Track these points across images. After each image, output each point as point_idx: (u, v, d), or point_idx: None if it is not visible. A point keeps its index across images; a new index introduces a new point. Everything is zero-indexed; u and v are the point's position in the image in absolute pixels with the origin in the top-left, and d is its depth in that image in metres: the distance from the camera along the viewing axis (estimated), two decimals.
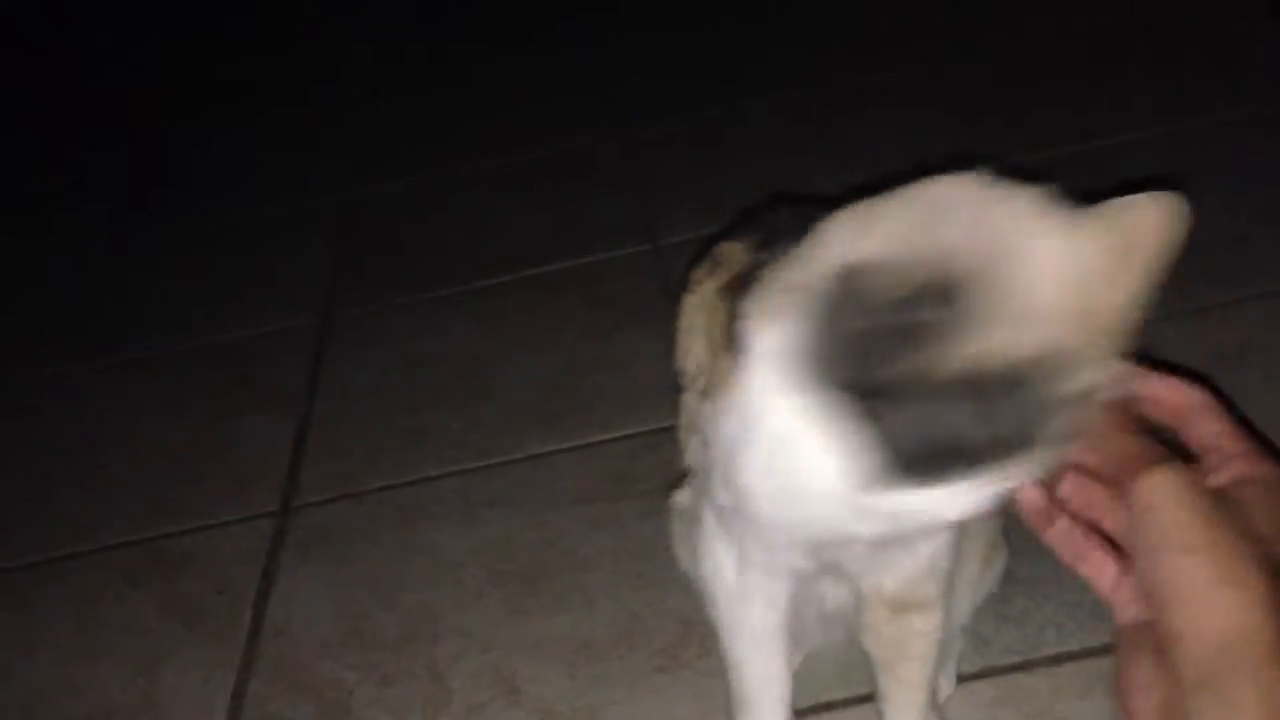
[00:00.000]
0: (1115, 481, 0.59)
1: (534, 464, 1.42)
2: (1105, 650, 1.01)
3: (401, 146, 2.44)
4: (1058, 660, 1.02)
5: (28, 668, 1.28)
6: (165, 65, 3.26)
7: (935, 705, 0.93)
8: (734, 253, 0.78)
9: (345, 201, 2.23)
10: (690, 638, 1.11)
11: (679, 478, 0.96)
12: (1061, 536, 0.65)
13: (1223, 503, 0.56)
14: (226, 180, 2.43)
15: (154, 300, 2.01)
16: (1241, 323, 1.37)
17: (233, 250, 2.12)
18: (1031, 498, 0.64)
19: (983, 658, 1.03)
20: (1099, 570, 0.64)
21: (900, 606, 0.82)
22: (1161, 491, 0.56)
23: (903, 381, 0.53)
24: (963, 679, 1.02)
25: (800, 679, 0.99)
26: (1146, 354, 0.61)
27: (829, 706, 1.03)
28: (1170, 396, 0.64)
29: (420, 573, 1.29)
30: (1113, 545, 0.63)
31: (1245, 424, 0.64)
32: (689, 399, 0.82)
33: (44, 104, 3.15)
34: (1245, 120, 1.77)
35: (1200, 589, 0.53)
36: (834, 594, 0.88)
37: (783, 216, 0.78)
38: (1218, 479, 0.59)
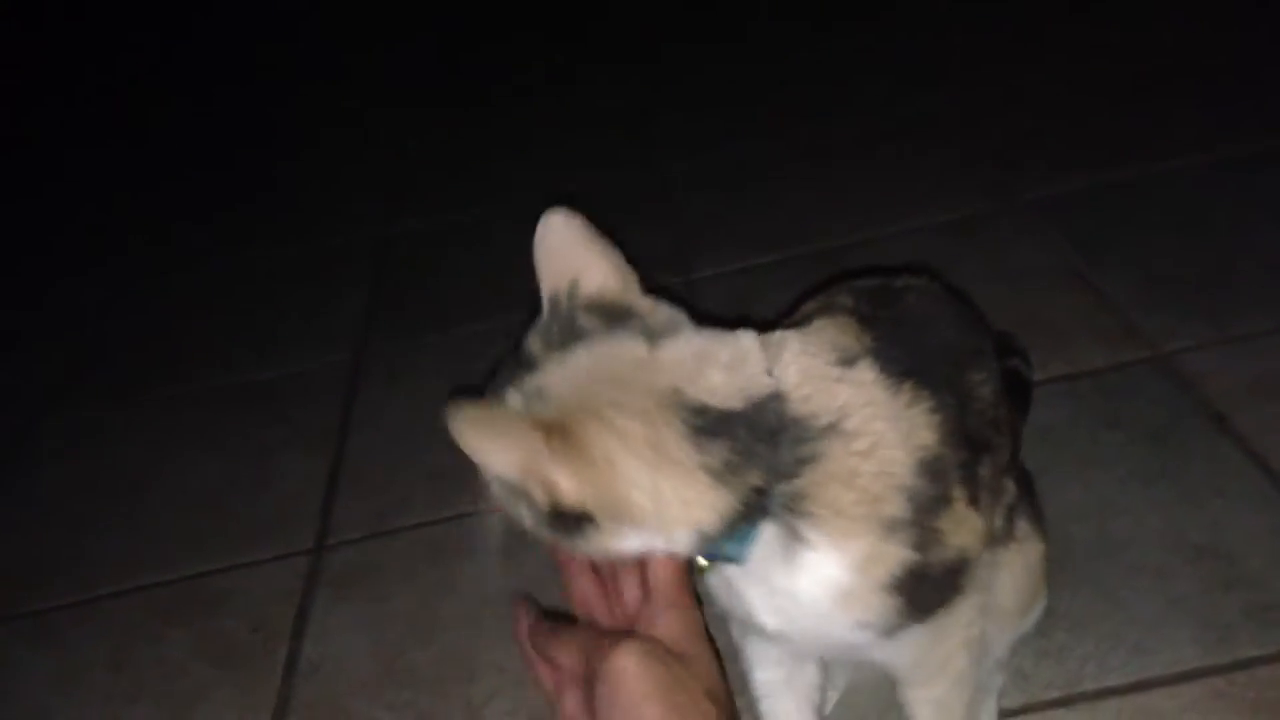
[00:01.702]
0: (587, 663, 0.68)
1: None
2: (1147, 686, 0.99)
3: (434, 184, 2.46)
4: (1099, 696, 1.00)
5: (65, 709, 1.28)
6: (199, 106, 3.31)
7: None
8: (811, 310, 0.82)
9: (378, 239, 2.25)
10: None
11: None
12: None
13: (678, 666, 0.65)
14: (260, 221, 2.46)
15: (189, 339, 2.03)
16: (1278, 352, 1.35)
17: (267, 289, 2.15)
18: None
19: (1024, 693, 1.02)
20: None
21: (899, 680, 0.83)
22: (637, 665, 0.64)
23: None
24: (1004, 715, 1.00)
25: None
26: None
27: None
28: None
29: (455, 610, 1.28)
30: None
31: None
32: None
33: (80, 148, 3.20)
34: None
35: None
36: None
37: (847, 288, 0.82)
38: (656, 628, 0.69)
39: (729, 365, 0.69)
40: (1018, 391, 1.22)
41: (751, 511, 0.68)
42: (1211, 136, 1.84)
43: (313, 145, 2.88)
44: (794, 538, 0.69)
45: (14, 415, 1.91)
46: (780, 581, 0.71)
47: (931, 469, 0.70)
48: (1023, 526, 0.89)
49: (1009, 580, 0.88)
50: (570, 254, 0.75)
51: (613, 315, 0.72)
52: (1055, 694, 1.01)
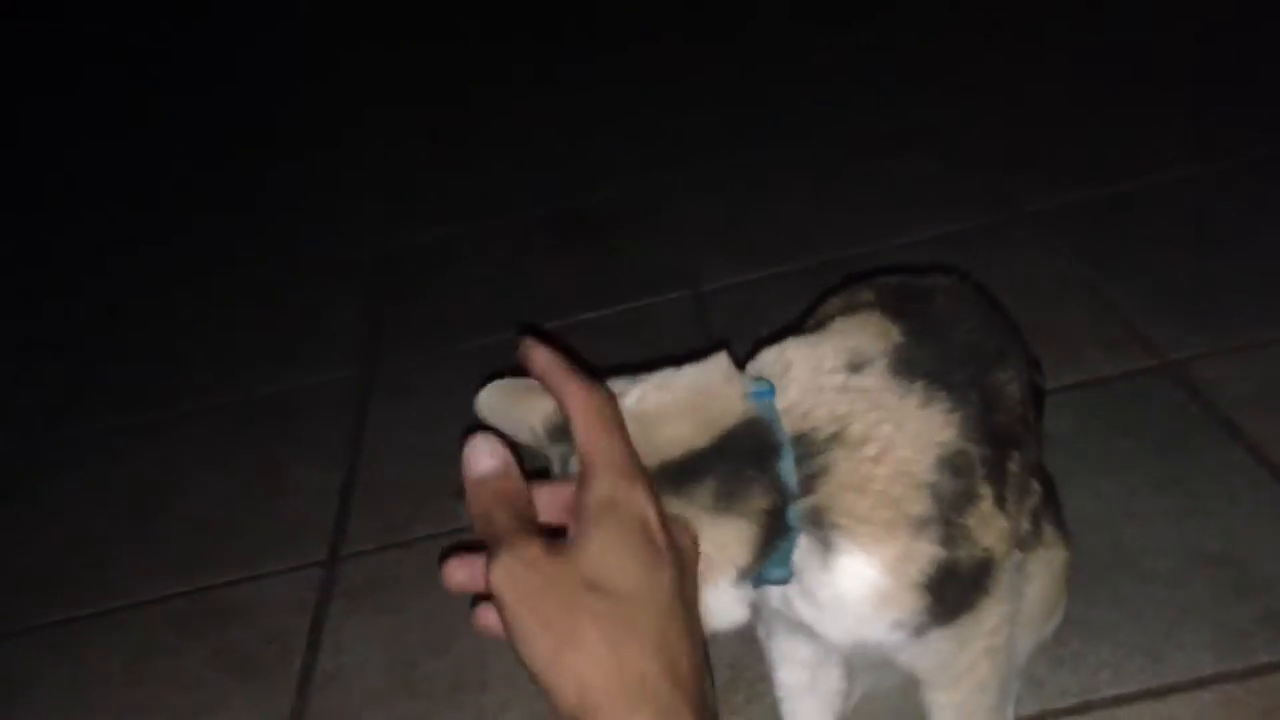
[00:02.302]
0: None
1: None
2: (1162, 693, 1.00)
3: (439, 196, 2.46)
4: (1115, 703, 1.00)
5: None
6: (202, 116, 3.33)
7: None
8: (834, 310, 0.82)
9: (387, 251, 2.25)
10: (739, 683, 1.10)
11: None
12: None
13: (549, 564, 0.61)
14: (268, 232, 2.47)
15: (200, 353, 2.04)
16: None
17: (277, 302, 2.15)
18: (454, 577, 0.73)
19: (1038, 700, 1.02)
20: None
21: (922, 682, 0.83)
22: (502, 582, 0.62)
23: None
24: None
25: None
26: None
27: None
28: (576, 395, 0.68)
29: (468, 621, 1.28)
30: None
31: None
32: None
33: (84, 157, 3.21)
34: None
35: (549, 664, 0.60)
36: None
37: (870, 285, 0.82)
38: (597, 492, 0.64)
39: (687, 410, 0.69)
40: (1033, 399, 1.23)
41: (773, 534, 0.68)
42: (1214, 143, 1.84)
43: (315, 147, 2.89)
44: (827, 549, 0.70)
45: (20, 428, 1.92)
46: (823, 593, 0.72)
47: (953, 464, 0.71)
48: (1049, 531, 0.89)
49: (1036, 588, 0.88)
50: (513, 413, 0.76)
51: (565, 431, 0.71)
52: (1071, 701, 1.02)
